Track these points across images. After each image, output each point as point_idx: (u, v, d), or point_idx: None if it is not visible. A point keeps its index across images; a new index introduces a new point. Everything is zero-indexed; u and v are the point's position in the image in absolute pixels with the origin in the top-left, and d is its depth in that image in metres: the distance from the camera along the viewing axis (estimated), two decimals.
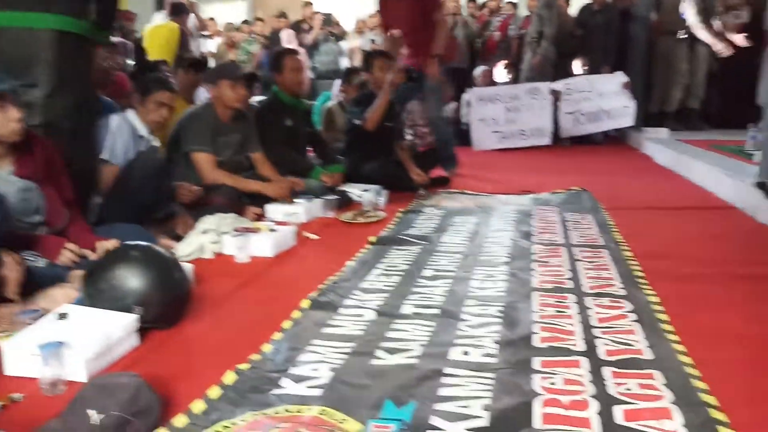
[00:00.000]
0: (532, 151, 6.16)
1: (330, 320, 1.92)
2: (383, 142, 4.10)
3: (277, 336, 1.80)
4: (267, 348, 1.71)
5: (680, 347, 1.66)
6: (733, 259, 2.49)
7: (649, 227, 3.00)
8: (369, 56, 4.31)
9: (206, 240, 2.62)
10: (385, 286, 2.23)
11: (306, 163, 3.87)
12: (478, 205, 3.60)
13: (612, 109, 6.48)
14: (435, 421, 1.34)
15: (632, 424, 1.30)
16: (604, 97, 6.47)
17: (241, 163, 3.33)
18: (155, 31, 5.58)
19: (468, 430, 1.31)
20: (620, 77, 6.45)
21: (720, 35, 6.29)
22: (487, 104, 6.32)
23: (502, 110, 6.31)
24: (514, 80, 6.91)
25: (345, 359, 1.65)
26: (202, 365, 1.66)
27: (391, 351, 1.69)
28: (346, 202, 3.53)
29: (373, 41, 7.65)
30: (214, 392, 1.46)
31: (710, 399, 1.39)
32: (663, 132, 6.04)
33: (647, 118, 6.55)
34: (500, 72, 7.01)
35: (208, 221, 2.71)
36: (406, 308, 2.01)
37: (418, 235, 2.92)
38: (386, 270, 2.42)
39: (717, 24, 6.29)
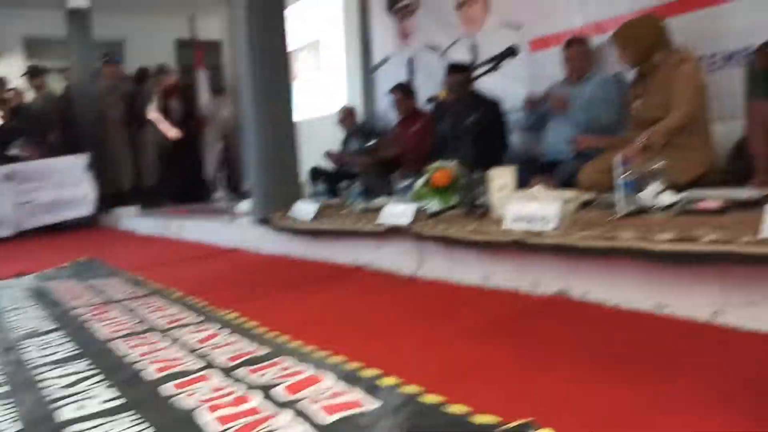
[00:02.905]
0: None
1: None
2: None
3: None
4: None
5: (283, 338, 1.77)
6: (267, 277, 2.80)
7: (179, 275, 3.03)
8: None
9: None
10: None
11: None
12: None
13: (70, 198, 6.26)
14: None
15: (296, 396, 1.32)
16: (62, 187, 6.21)
17: None
18: None
19: None
20: (82, 160, 6.31)
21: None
22: None
23: None
24: None
25: None
26: None
27: None
28: None
29: None
30: None
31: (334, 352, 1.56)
32: (134, 209, 6.17)
33: (107, 198, 6.61)
34: None
35: None
36: None
37: None
38: None
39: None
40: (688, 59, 2.69)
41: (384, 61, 5.80)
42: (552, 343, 1.57)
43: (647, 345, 1.50)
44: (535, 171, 3.41)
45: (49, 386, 1.55)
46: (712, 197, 1.96)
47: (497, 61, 2.57)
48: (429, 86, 5.08)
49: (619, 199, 2.12)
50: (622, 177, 2.12)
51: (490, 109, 3.93)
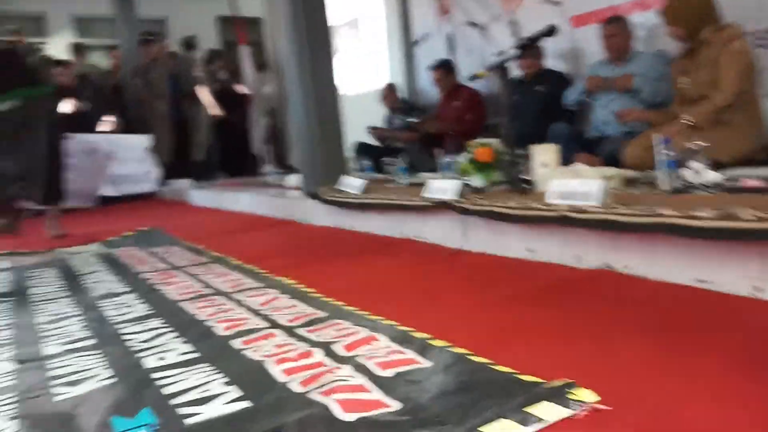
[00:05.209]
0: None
1: None
2: None
3: None
4: None
5: (338, 302, 1.91)
6: (319, 247, 2.95)
7: (237, 245, 3.20)
8: None
9: None
10: None
11: None
12: (42, 261, 3.16)
13: (133, 174, 6.50)
14: (185, 410, 1.22)
15: (353, 352, 1.46)
16: (125, 162, 6.45)
17: None
18: None
19: (225, 404, 1.24)
20: (144, 141, 6.55)
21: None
22: None
23: None
24: None
25: (17, 406, 1.32)
26: None
27: (73, 383, 1.43)
28: None
29: None
30: None
31: (386, 317, 1.68)
32: (186, 182, 6.42)
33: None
34: None
35: None
36: (51, 349, 1.70)
37: None
38: None
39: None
40: (736, 36, 2.68)
41: (424, 37, 5.83)
42: (594, 313, 1.65)
43: (686, 317, 1.57)
44: (578, 147, 3.45)
45: (130, 339, 1.72)
46: (756, 176, 2.00)
47: (534, 40, 2.63)
48: (470, 62, 5.11)
49: (661, 176, 2.18)
50: (663, 155, 2.17)
51: (560, 80, 4.05)
